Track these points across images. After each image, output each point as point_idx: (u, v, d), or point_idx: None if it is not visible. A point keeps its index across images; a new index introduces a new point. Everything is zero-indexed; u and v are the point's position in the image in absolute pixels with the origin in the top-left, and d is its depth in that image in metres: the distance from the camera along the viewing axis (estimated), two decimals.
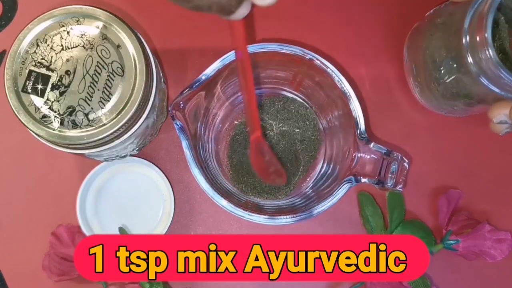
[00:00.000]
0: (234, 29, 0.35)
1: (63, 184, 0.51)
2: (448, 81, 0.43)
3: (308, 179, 0.49)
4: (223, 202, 0.41)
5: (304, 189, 0.48)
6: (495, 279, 0.50)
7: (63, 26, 0.41)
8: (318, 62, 0.42)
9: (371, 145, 0.42)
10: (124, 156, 0.49)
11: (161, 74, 0.47)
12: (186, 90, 0.41)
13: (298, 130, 0.50)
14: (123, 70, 0.40)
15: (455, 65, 0.41)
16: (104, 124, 0.40)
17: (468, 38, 0.39)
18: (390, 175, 0.42)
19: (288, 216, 0.42)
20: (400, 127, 0.52)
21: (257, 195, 0.49)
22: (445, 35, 0.42)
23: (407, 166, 0.43)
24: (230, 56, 0.42)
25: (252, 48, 0.42)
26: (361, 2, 0.53)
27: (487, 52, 0.37)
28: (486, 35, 0.37)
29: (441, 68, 0.43)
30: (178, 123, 0.41)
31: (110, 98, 0.40)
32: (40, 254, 0.49)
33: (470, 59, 0.39)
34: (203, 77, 0.42)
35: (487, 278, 0.50)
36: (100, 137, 0.40)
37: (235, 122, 0.50)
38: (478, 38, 0.38)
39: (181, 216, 0.51)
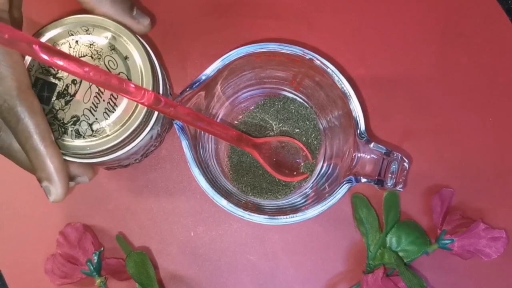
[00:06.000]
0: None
1: None
2: None
3: (308, 179, 0.49)
4: (223, 202, 0.41)
5: (304, 189, 0.48)
6: (491, 278, 0.50)
7: (72, 34, 0.40)
8: (318, 62, 0.42)
9: (371, 145, 0.42)
10: (127, 165, 0.48)
11: (167, 86, 0.46)
12: (186, 90, 0.41)
13: (298, 130, 0.50)
14: None
15: None
16: (108, 135, 0.39)
17: None
18: (390, 175, 0.42)
19: (288, 216, 0.42)
20: (400, 127, 0.52)
21: (257, 195, 0.49)
22: None
23: (407, 166, 0.43)
24: (230, 56, 0.42)
25: (252, 48, 0.42)
26: (361, 2, 0.53)
27: None
28: None
29: None
30: (178, 123, 0.41)
31: (115, 110, 0.40)
32: (41, 255, 0.49)
33: None
34: (203, 77, 0.42)
35: (483, 277, 0.50)
36: (103, 148, 0.39)
37: (235, 122, 0.50)
38: None
39: (181, 216, 0.51)
